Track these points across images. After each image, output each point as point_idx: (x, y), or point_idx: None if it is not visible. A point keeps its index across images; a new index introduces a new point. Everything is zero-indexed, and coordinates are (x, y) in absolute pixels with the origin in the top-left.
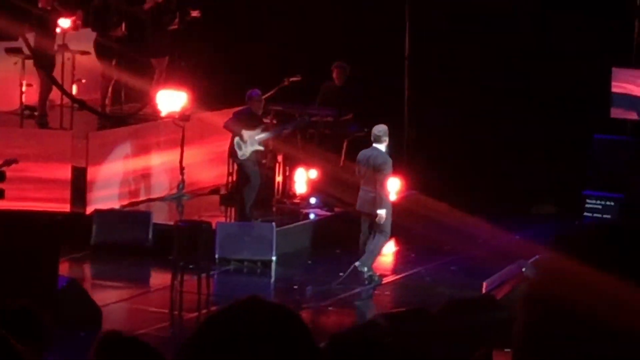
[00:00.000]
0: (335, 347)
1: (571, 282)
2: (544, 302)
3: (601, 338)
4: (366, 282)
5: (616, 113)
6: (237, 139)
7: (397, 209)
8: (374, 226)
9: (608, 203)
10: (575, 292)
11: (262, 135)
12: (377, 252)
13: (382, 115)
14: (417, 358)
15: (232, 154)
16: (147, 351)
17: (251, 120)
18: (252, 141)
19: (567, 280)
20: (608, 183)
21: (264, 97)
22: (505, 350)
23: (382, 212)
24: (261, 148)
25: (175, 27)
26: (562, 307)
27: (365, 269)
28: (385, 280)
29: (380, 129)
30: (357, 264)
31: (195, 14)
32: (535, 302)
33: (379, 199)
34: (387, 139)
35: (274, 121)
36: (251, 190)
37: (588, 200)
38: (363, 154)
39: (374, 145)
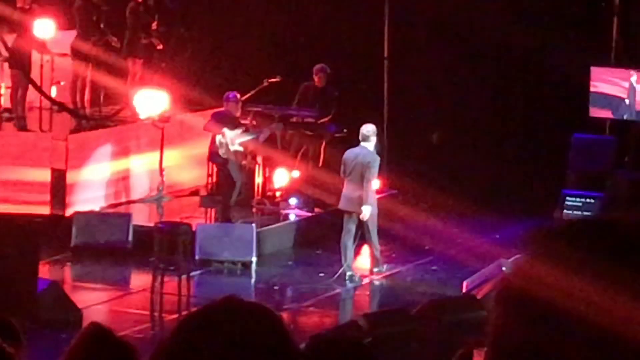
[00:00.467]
0: (315, 348)
1: (544, 282)
2: (516, 301)
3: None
4: (347, 281)
5: (595, 112)
6: (219, 137)
7: (379, 208)
8: (363, 224)
9: (588, 201)
10: (549, 291)
11: (242, 137)
12: (376, 247)
13: (361, 116)
14: (397, 358)
15: (213, 155)
16: (127, 350)
17: (230, 122)
18: (233, 141)
19: (540, 280)
20: (588, 182)
21: (243, 98)
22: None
23: (366, 209)
24: (241, 149)
25: (155, 28)
26: (534, 308)
27: (346, 268)
28: (365, 280)
29: (369, 128)
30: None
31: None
32: (505, 301)
33: (365, 197)
34: (375, 138)
35: (254, 122)
36: (232, 190)
37: (568, 199)
38: (351, 152)
39: (362, 144)
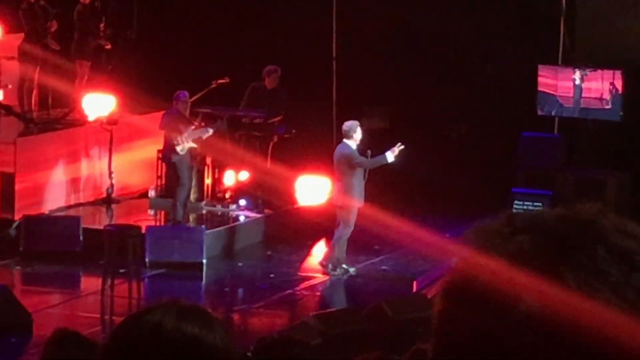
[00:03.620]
0: (263, 349)
1: (485, 273)
2: (458, 293)
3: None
4: (336, 274)
5: (542, 111)
6: (176, 136)
7: (326, 211)
8: (338, 217)
9: (536, 204)
10: (490, 282)
11: (193, 135)
12: (338, 242)
13: (310, 116)
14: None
15: (166, 155)
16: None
17: (181, 120)
18: (187, 139)
19: (481, 270)
20: (536, 180)
21: (192, 99)
22: None
23: (389, 156)
24: (195, 145)
25: (102, 29)
26: (476, 298)
27: (330, 266)
28: (315, 280)
29: (348, 124)
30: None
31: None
32: (448, 293)
33: (344, 189)
34: (355, 134)
35: (202, 123)
36: (183, 192)
37: (516, 202)
38: (336, 150)
39: (344, 140)
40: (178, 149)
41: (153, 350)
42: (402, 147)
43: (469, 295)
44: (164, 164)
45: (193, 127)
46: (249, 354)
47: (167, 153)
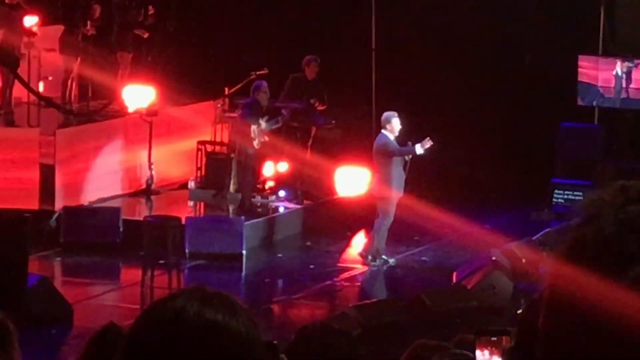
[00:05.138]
0: (303, 337)
1: (583, 288)
2: (559, 307)
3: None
4: (376, 265)
5: (582, 101)
6: (254, 128)
7: (366, 202)
8: (377, 208)
9: (576, 193)
10: (589, 298)
11: (267, 127)
12: (378, 233)
13: (349, 107)
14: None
15: (233, 146)
16: None
17: (259, 111)
18: (264, 130)
19: (579, 286)
20: (576, 171)
21: (230, 91)
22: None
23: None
24: (267, 139)
25: (141, 19)
26: (577, 314)
27: (369, 257)
28: (355, 271)
29: (386, 115)
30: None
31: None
32: (550, 310)
33: (383, 179)
34: (391, 125)
35: (283, 111)
36: (250, 183)
37: (556, 191)
38: (375, 140)
39: (382, 130)
40: (255, 142)
41: (175, 335)
42: (431, 143)
43: (573, 313)
44: (203, 155)
45: (266, 118)
46: (275, 342)
47: (241, 146)
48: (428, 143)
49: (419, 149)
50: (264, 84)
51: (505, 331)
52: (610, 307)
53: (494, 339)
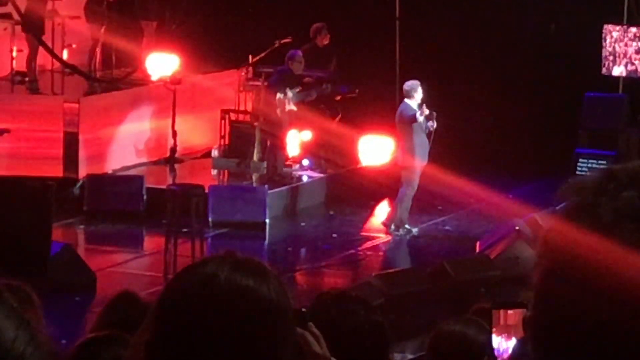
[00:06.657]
0: (321, 303)
1: (586, 252)
2: (558, 271)
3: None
4: (399, 234)
5: (607, 70)
6: (280, 96)
7: (390, 171)
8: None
9: (600, 162)
10: (588, 255)
11: (296, 98)
12: (401, 202)
13: (372, 77)
14: (410, 318)
15: (257, 114)
16: None
17: (292, 80)
18: (290, 101)
19: (582, 250)
20: (600, 141)
21: (254, 59)
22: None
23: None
24: (295, 109)
25: None
26: (577, 279)
27: (393, 226)
28: (378, 240)
29: (409, 83)
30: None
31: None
32: (546, 270)
33: (406, 149)
34: (415, 94)
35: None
36: (277, 154)
37: (580, 161)
38: (398, 109)
39: (405, 100)
40: (277, 111)
41: (206, 300)
42: (428, 111)
43: (570, 274)
44: (227, 124)
45: (298, 89)
46: (304, 309)
47: (265, 114)
48: (426, 110)
49: (420, 117)
50: (299, 53)
51: (522, 304)
52: (606, 265)
53: (510, 312)
